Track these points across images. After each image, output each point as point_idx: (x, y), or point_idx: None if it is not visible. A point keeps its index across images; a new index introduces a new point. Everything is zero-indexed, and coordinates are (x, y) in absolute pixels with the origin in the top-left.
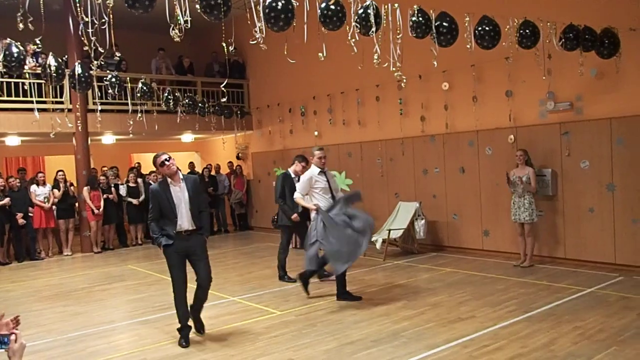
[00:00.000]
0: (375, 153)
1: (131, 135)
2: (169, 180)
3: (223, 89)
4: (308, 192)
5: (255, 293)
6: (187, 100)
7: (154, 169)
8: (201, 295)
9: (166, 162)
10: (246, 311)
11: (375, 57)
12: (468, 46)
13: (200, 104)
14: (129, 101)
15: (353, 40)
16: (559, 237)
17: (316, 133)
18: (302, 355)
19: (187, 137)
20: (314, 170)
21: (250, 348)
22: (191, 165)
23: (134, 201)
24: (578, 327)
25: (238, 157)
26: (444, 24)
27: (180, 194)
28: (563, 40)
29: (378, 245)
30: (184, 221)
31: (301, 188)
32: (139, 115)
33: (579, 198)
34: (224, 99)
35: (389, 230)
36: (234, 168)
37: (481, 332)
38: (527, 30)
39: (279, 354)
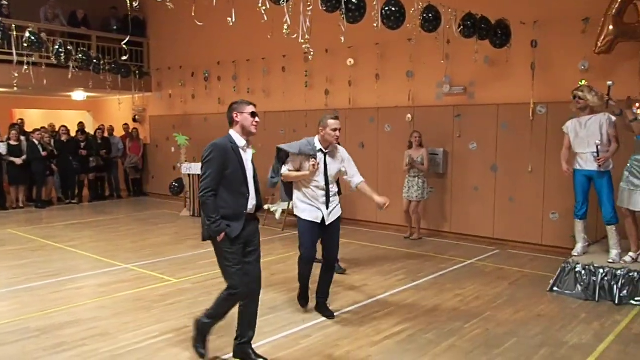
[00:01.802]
0: (278, 124)
1: (15, 89)
2: (239, 140)
3: (124, 46)
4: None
5: (150, 261)
6: (80, 55)
7: (40, 126)
8: (253, 308)
9: (257, 116)
10: (140, 279)
11: (285, 27)
12: (375, 25)
13: (95, 60)
14: (14, 51)
15: (264, 8)
16: (446, 213)
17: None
18: None
19: (79, 94)
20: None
21: (144, 315)
22: (81, 125)
23: (17, 160)
24: (458, 295)
25: (135, 120)
26: (354, 0)
27: (248, 164)
28: (462, 27)
29: (277, 216)
30: (252, 198)
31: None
32: (25, 67)
33: (466, 177)
34: (125, 57)
35: (289, 202)
36: (130, 131)
37: (373, 299)
38: (430, 15)
39: (175, 321)
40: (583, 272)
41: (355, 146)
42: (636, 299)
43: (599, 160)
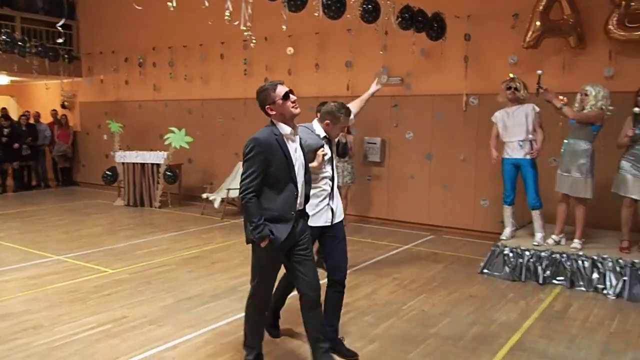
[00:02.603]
0: (217, 111)
1: None
2: (284, 128)
3: (59, 28)
4: None
5: (84, 252)
6: (4, 37)
7: None
8: (315, 317)
9: (291, 95)
10: (74, 270)
11: (227, 13)
12: (316, 14)
13: (20, 43)
14: None
15: None
16: (384, 200)
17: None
18: (138, 312)
19: (2, 79)
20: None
21: (80, 307)
22: (4, 110)
23: None
24: (396, 279)
25: (63, 106)
26: None
27: (296, 154)
28: (400, 19)
29: (216, 204)
30: (300, 196)
31: None
32: None
33: (403, 165)
34: (61, 40)
35: (228, 190)
36: (59, 117)
37: None
38: (370, 6)
39: (113, 312)
40: (511, 254)
41: None
42: (558, 278)
43: (532, 153)
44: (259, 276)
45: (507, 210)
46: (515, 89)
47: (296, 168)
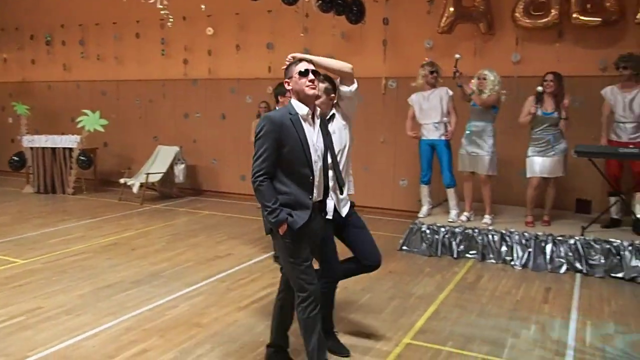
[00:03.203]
0: (133, 93)
1: None
2: (301, 108)
3: None
4: None
5: None
6: None
7: None
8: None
9: (310, 74)
10: None
11: None
12: None
13: None
14: None
15: None
16: None
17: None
18: (54, 302)
19: None
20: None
21: None
22: None
23: None
24: None
25: None
26: None
27: (314, 138)
28: (320, 2)
29: (135, 190)
30: (318, 185)
31: None
32: None
33: None
34: None
35: (147, 174)
36: None
37: (237, 267)
38: None
39: (27, 303)
40: (428, 231)
41: (217, 117)
42: (471, 252)
43: (446, 135)
44: (289, 266)
45: (424, 190)
46: (437, 72)
47: (312, 152)
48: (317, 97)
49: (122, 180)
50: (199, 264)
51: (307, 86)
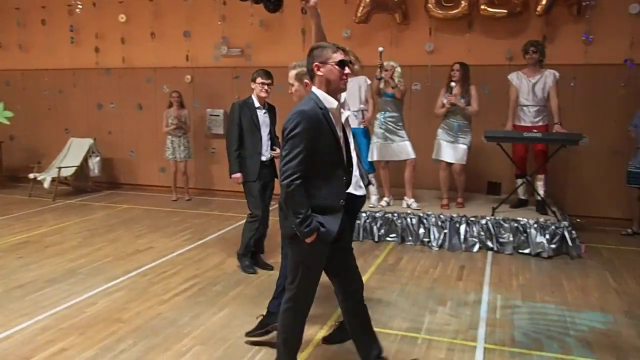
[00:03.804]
0: (41, 83)
1: None
2: (329, 101)
3: None
4: None
5: None
6: None
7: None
8: (364, 317)
9: (347, 68)
10: None
11: None
12: None
13: None
14: None
15: None
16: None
17: None
18: None
19: None
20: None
21: None
22: None
23: None
24: None
25: None
26: None
27: (341, 135)
28: None
29: (46, 185)
30: (348, 183)
31: None
32: None
33: None
34: None
35: (59, 168)
36: None
37: (159, 260)
38: None
39: None
40: (368, 220)
41: (133, 107)
42: (391, 235)
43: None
44: (301, 276)
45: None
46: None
47: (343, 151)
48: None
49: (31, 175)
50: (118, 259)
51: (343, 79)
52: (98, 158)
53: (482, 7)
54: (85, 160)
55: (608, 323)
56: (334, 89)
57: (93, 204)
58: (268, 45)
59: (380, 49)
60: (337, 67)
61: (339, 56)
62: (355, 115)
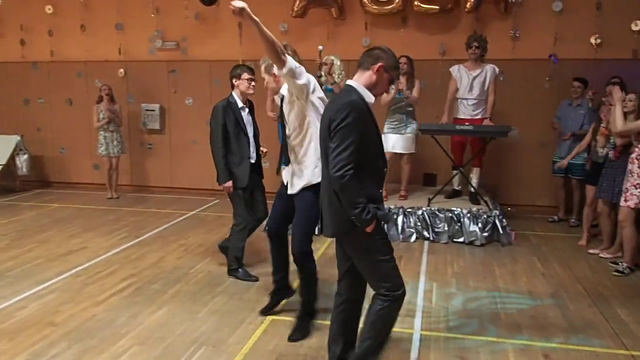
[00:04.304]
0: None
1: None
2: (370, 97)
3: None
4: None
5: None
6: None
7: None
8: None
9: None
10: None
11: None
12: None
13: None
14: None
15: None
16: (166, 168)
17: None
18: None
19: None
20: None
21: None
22: None
23: None
24: (183, 245)
25: None
26: None
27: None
28: None
29: None
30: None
31: None
32: None
33: (184, 131)
34: None
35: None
36: None
37: (94, 260)
38: None
39: None
40: None
41: (63, 103)
42: None
43: None
44: (382, 269)
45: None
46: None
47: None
48: None
49: None
50: (50, 260)
51: (387, 90)
52: (26, 156)
53: (416, 3)
54: (12, 158)
55: (536, 306)
56: (374, 94)
57: (22, 204)
58: (204, 39)
59: (320, 47)
60: (390, 77)
61: (396, 74)
62: None
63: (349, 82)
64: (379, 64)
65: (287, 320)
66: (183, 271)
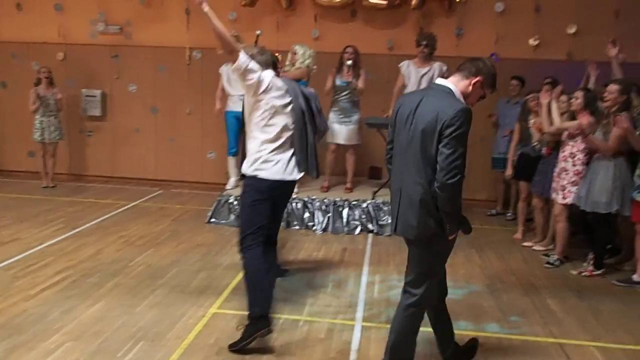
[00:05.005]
0: None
1: None
2: (462, 100)
3: None
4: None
5: None
6: None
7: None
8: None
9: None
10: None
11: None
12: None
13: None
14: None
15: None
16: (107, 156)
17: None
18: None
19: None
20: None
21: None
22: None
23: None
24: (123, 236)
25: None
26: None
27: None
28: None
29: None
30: None
31: None
32: None
33: (126, 119)
34: None
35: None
36: None
37: (26, 252)
38: None
39: None
40: (235, 202)
41: None
42: None
43: None
44: (431, 278)
45: (232, 161)
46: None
47: None
48: None
49: None
50: None
51: (477, 100)
52: None
53: None
54: None
55: (472, 296)
56: (471, 102)
57: None
58: (150, 24)
59: (258, 32)
60: (482, 96)
61: (490, 92)
62: (241, 99)
63: (446, 82)
64: (478, 78)
65: (229, 313)
66: (122, 264)
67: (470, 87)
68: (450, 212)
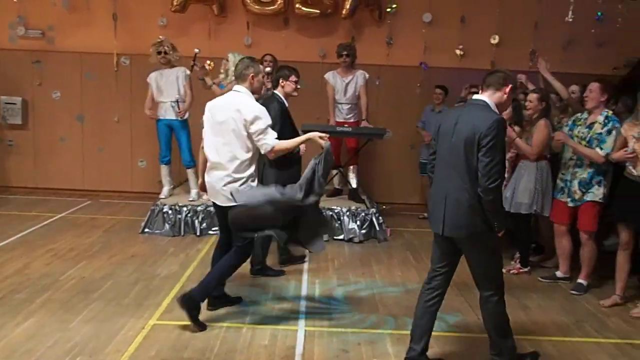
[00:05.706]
0: None
1: None
2: (497, 111)
3: None
4: None
5: None
6: None
7: None
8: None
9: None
10: None
11: None
12: None
13: None
14: None
15: None
16: (30, 167)
17: None
18: None
19: None
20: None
21: None
22: None
23: None
24: (51, 250)
25: None
26: None
27: None
28: None
29: None
30: None
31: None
32: None
33: (50, 128)
34: None
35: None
36: None
37: None
38: None
39: None
40: (170, 211)
41: None
42: (213, 229)
43: (179, 113)
44: (498, 267)
45: (164, 170)
46: (165, 52)
47: None
48: None
49: None
50: None
51: (504, 109)
52: None
53: (297, 5)
54: None
55: (409, 296)
56: (499, 111)
57: None
58: (75, 29)
59: (196, 50)
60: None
61: (515, 95)
62: (173, 107)
63: (482, 97)
64: (510, 86)
65: (170, 324)
66: (52, 278)
67: (505, 96)
68: (495, 212)
